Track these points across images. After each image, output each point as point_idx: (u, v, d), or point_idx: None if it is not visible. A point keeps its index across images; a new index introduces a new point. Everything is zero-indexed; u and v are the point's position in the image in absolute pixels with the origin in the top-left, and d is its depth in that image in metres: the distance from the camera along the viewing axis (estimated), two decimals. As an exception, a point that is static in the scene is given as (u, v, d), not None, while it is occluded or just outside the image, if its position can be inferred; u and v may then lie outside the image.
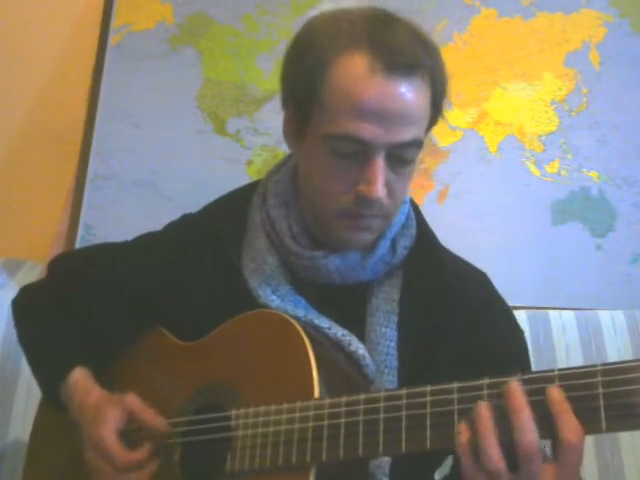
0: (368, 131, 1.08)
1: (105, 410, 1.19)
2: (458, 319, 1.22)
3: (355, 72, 1.08)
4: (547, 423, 0.90)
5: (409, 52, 1.09)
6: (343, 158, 1.12)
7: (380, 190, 1.11)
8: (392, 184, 1.13)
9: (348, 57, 1.09)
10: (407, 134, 1.10)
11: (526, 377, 0.92)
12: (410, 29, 1.12)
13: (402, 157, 1.12)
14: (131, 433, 1.19)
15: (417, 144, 1.13)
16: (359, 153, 1.11)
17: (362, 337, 1.20)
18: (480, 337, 1.22)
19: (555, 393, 0.90)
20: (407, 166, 1.14)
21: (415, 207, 1.30)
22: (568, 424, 0.88)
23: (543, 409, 0.90)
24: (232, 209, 1.33)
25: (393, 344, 1.19)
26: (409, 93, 1.09)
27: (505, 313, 1.31)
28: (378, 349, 1.19)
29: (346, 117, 1.09)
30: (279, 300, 1.20)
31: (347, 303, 1.23)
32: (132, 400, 1.20)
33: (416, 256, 1.25)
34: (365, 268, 1.21)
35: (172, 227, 1.39)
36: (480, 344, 1.22)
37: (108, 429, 1.17)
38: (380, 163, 1.10)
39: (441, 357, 1.19)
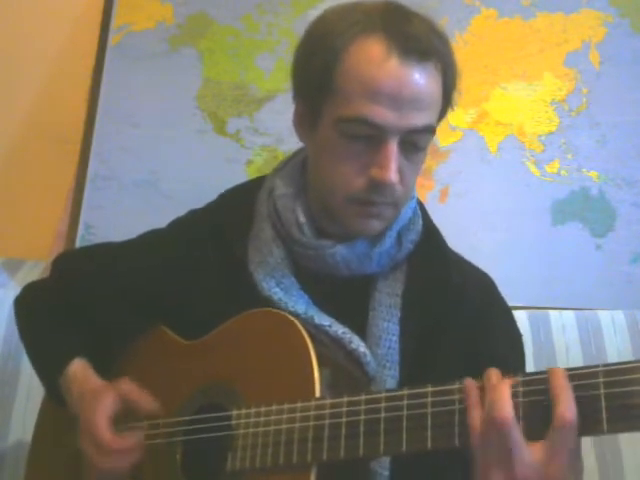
0: (382, 115, 1.09)
1: (100, 395, 1.20)
2: (459, 315, 1.23)
3: (370, 56, 1.09)
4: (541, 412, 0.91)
5: (423, 39, 1.10)
6: (355, 141, 1.12)
7: (393, 175, 1.11)
8: (404, 171, 1.14)
9: (363, 42, 1.10)
10: (420, 120, 1.11)
11: (526, 379, 0.93)
12: (424, 19, 1.14)
13: (415, 143, 1.13)
14: (126, 421, 1.20)
15: (430, 130, 1.14)
16: (372, 137, 1.11)
17: (364, 331, 1.20)
18: (478, 336, 1.23)
19: (560, 370, 0.92)
20: (419, 153, 1.15)
21: (421, 204, 1.30)
22: (565, 400, 0.89)
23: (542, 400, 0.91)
24: (237, 203, 1.33)
25: (395, 338, 1.19)
26: (423, 79, 1.10)
27: (504, 315, 1.31)
28: (380, 343, 1.19)
29: (360, 100, 1.10)
30: (282, 293, 1.20)
31: (350, 296, 1.23)
32: (126, 385, 1.21)
33: (421, 251, 1.25)
34: (371, 259, 1.21)
35: (177, 223, 1.39)
36: (477, 343, 1.22)
37: (100, 414, 1.18)
38: (394, 148, 1.11)
39: (442, 352, 1.20)
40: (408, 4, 1.16)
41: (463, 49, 2.07)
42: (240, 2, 2.13)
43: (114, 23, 2.12)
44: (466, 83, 2.00)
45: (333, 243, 1.20)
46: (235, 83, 2.09)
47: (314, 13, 2.03)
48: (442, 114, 1.19)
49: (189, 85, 2.10)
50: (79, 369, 1.29)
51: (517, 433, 0.91)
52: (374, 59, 1.09)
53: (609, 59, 2.04)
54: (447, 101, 1.18)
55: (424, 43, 1.10)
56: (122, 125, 2.08)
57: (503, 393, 0.92)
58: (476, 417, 0.94)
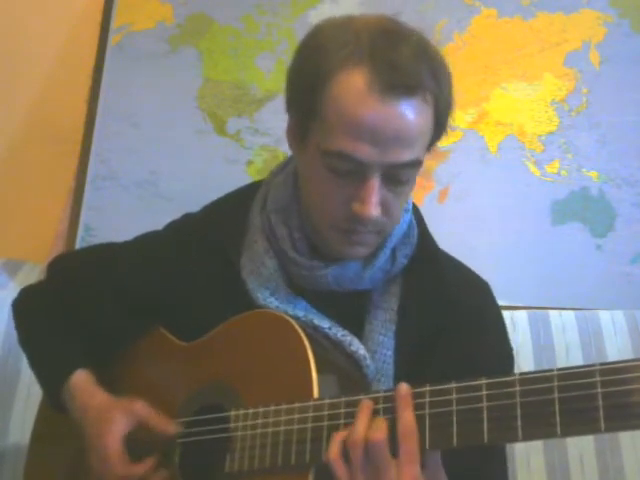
0: (363, 151, 1.06)
1: (110, 416, 1.20)
2: (454, 328, 1.22)
3: (353, 90, 1.06)
4: None
5: (411, 72, 1.06)
6: (339, 175, 1.10)
7: (373, 210, 1.09)
8: (388, 203, 1.12)
9: (348, 73, 1.07)
10: (403, 155, 1.08)
11: (524, 377, 0.93)
12: (416, 46, 1.09)
13: (397, 177, 1.10)
14: (137, 441, 1.19)
15: (414, 165, 1.10)
16: (354, 172, 1.09)
17: None
18: (470, 344, 1.22)
19: (403, 389, 0.99)
20: (403, 186, 1.13)
21: (417, 214, 1.29)
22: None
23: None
24: (233, 209, 1.32)
25: (390, 353, 1.19)
26: (408, 114, 1.06)
27: (497, 326, 1.30)
28: (375, 357, 1.18)
29: (342, 135, 1.07)
30: (277, 302, 1.20)
31: (345, 310, 1.22)
32: (142, 407, 1.20)
33: (416, 264, 1.24)
34: (364, 278, 1.21)
35: (173, 226, 1.39)
36: (469, 351, 1.21)
37: (113, 437, 1.17)
38: (375, 183, 1.09)
39: (436, 365, 1.18)
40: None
41: (463, 49, 2.07)
42: (240, 2, 2.13)
43: (114, 23, 2.12)
44: (466, 83, 2.05)
45: (325, 264, 1.19)
46: (235, 83, 2.09)
47: (313, 13, 2.07)
48: (434, 140, 1.15)
49: (189, 85, 2.10)
50: (82, 381, 1.28)
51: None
52: (356, 93, 1.06)
53: (609, 59, 2.04)
54: (441, 128, 1.14)
55: (411, 77, 1.06)
56: (122, 125, 2.08)
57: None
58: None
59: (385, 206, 1.12)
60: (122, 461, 1.17)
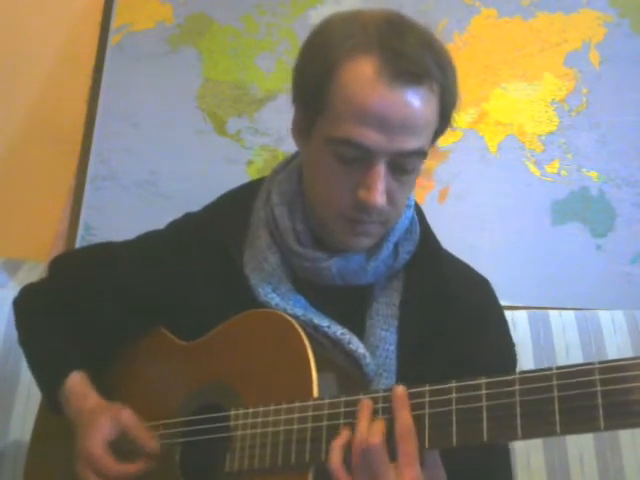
0: (370, 137, 1.07)
1: (98, 420, 1.20)
2: (456, 324, 1.22)
3: (361, 77, 1.07)
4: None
5: (418, 61, 1.07)
6: (345, 162, 1.11)
7: (379, 197, 1.10)
8: (393, 191, 1.12)
9: (356, 61, 1.08)
10: (410, 143, 1.09)
11: (524, 376, 0.93)
12: (422, 37, 1.10)
13: (403, 166, 1.11)
14: (123, 445, 1.19)
15: (419, 154, 1.12)
16: (361, 159, 1.10)
17: (361, 339, 1.20)
18: (472, 342, 1.22)
19: (399, 390, 0.99)
20: (409, 175, 1.13)
21: (419, 211, 1.29)
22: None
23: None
24: (235, 206, 1.32)
25: (392, 348, 1.19)
26: (414, 102, 1.07)
27: (499, 323, 1.30)
28: (377, 353, 1.18)
29: (349, 121, 1.08)
30: (279, 298, 1.20)
31: (347, 305, 1.22)
32: (128, 416, 1.21)
33: (418, 261, 1.25)
34: (367, 271, 1.21)
35: (174, 225, 1.38)
36: (471, 349, 1.21)
37: (97, 440, 1.18)
38: (380, 170, 1.09)
39: (438, 361, 1.18)
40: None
41: (463, 49, 2.07)
42: (240, 2, 2.13)
43: (114, 23, 2.12)
44: (466, 83, 2.04)
45: (328, 256, 1.19)
46: (235, 83, 2.09)
47: (313, 13, 2.08)
48: (439, 133, 1.17)
49: (189, 85, 2.10)
50: (77, 383, 1.28)
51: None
52: (364, 80, 1.07)
53: (609, 59, 2.04)
54: (445, 121, 1.15)
55: (418, 65, 1.07)
56: (122, 125, 2.08)
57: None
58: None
59: (390, 195, 1.12)
60: (108, 460, 1.17)
